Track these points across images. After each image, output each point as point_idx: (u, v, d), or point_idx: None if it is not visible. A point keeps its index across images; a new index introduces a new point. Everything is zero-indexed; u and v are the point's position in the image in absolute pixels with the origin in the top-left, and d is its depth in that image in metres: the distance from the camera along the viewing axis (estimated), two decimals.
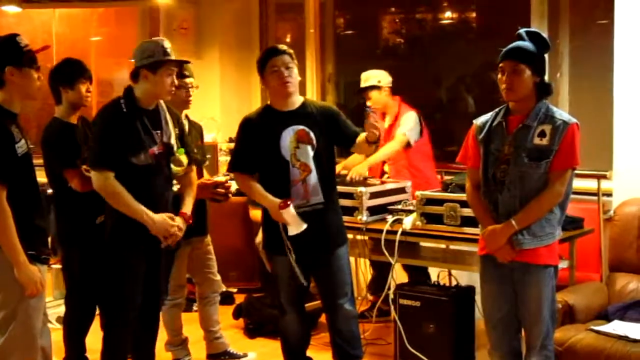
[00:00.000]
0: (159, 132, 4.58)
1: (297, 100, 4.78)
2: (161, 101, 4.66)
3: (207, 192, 5.26)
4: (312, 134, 4.70)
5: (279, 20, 8.45)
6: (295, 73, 4.73)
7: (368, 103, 6.16)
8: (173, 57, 4.62)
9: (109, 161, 4.44)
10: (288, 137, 4.68)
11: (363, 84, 6.43)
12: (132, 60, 4.60)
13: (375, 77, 6.41)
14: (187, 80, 5.24)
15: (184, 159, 4.76)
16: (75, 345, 5.36)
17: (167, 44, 4.58)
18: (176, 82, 4.66)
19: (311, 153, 4.69)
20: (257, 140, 4.74)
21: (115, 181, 4.42)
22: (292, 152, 4.67)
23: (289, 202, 4.55)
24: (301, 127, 4.70)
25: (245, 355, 5.74)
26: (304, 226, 4.60)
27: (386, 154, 6.20)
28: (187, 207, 4.73)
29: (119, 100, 4.56)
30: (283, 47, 4.78)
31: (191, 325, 5.80)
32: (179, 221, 4.58)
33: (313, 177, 4.69)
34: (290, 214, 4.56)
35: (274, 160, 4.68)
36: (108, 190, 4.45)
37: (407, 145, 6.21)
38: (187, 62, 5.07)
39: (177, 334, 5.58)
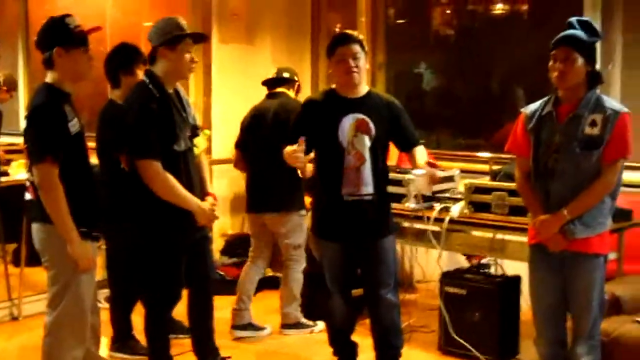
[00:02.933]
0: (185, 114, 4.58)
1: (362, 89, 4.76)
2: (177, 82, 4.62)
3: None
4: (371, 125, 4.67)
5: (331, 8, 8.45)
6: (363, 63, 4.67)
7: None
8: (190, 32, 4.54)
9: (157, 151, 4.38)
10: (348, 124, 4.66)
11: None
12: (150, 41, 4.53)
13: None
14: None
15: (204, 140, 4.79)
16: (121, 324, 5.45)
17: (182, 20, 4.51)
18: (196, 59, 4.59)
19: (368, 143, 4.68)
20: (316, 122, 4.73)
21: (165, 171, 4.38)
22: (350, 139, 4.66)
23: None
24: (362, 116, 4.67)
25: (264, 328, 6.01)
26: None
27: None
28: (209, 187, 4.77)
29: (146, 84, 4.48)
30: (354, 34, 4.72)
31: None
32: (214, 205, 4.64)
33: (367, 167, 4.68)
34: None
35: (330, 145, 4.67)
36: (160, 181, 4.38)
37: None
38: (205, 36, 4.92)
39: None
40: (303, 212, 5.88)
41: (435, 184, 4.64)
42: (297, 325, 6.01)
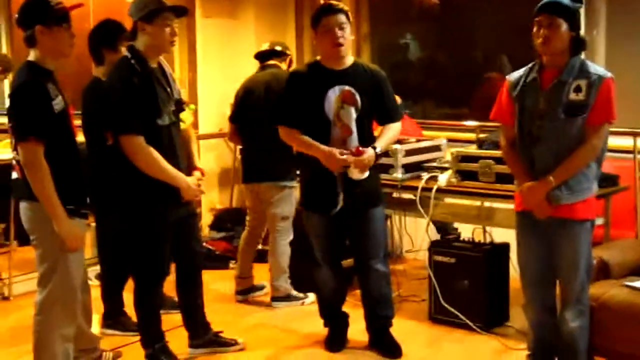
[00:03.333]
0: (169, 89, 4.56)
1: (348, 60, 4.74)
2: (161, 57, 4.60)
3: None
4: (357, 96, 4.67)
5: None
6: (348, 33, 4.66)
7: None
8: (168, 5, 4.51)
9: (139, 126, 4.36)
10: (334, 95, 4.66)
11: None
12: (130, 16, 4.51)
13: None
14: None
15: (190, 114, 4.78)
16: (113, 301, 5.46)
17: None
18: (176, 32, 4.56)
19: (354, 115, 4.68)
20: (302, 95, 4.72)
21: (148, 146, 4.36)
22: (336, 111, 4.66)
23: (360, 149, 4.56)
24: (347, 87, 4.67)
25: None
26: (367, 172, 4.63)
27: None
28: (197, 161, 4.78)
29: (128, 60, 4.45)
30: (339, 5, 4.71)
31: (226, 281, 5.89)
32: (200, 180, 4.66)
33: (353, 139, 4.68)
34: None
35: (316, 118, 4.67)
36: (142, 156, 4.36)
37: None
38: (185, 8, 4.82)
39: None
40: (294, 183, 5.89)
41: (364, 170, 4.63)
42: (288, 298, 6.03)
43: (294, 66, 6.24)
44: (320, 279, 5.01)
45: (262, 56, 6.09)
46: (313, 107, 4.67)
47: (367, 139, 4.75)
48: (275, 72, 5.90)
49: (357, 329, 5.12)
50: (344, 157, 4.56)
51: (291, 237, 6.00)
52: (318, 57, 4.80)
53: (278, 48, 6.06)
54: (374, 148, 4.65)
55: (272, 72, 5.93)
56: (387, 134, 4.81)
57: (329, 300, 5.06)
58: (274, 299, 6.05)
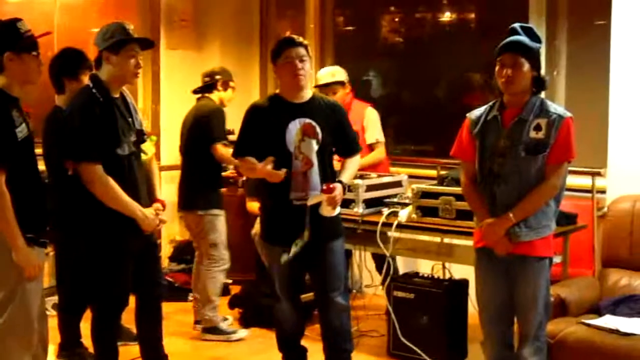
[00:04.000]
0: (130, 119, 4.54)
1: (306, 94, 4.76)
2: (124, 87, 4.59)
3: None
4: (318, 129, 4.68)
5: (280, 15, 8.48)
6: (308, 67, 4.69)
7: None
8: (135, 37, 4.53)
9: (97, 154, 4.33)
10: (294, 129, 4.66)
11: (329, 79, 6.40)
12: (96, 46, 4.50)
13: (341, 73, 6.45)
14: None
15: (152, 145, 4.79)
16: (70, 331, 5.41)
17: (128, 25, 4.48)
18: (141, 63, 4.56)
19: (315, 147, 4.68)
20: (263, 128, 4.72)
21: (105, 175, 4.33)
22: (297, 144, 4.66)
23: (331, 186, 4.55)
24: (308, 120, 4.68)
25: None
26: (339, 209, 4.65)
27: (368, 163, 6.24)
28: (158, 193, 4.78)
29: (90, 89, 4.44)
30: (299, 39, 4.74)
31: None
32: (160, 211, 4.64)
33: (314, 172, 4.68)
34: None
35: (277, 151, 4.65)
36: (99, 184, 4.33)
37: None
38: (151, 41, 4.87)
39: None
40: (216, 211, 6.00)
41: (334, 206, 4.64)
42: (214, 330, 6.05)
43: (251, 97, 6.35)
44: (279, 313, 4.99)
45: (197, 92, 6.29)
46: (274, 140, 4.68)
47: (328, 172, 4.76)
48: (199, 104, 6.16)
49: None
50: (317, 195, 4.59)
51: (226, 266, 6.09)
52: (277, 91, 4.84)
53: (206, 80, 6.24)
54: (341, 182, 4.67)
55: (197, 105, 6.17)
56: (350, 167, 4.83)
57: (288, 334, 5.04)
58: (203, 329, 6.08)
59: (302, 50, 4.66)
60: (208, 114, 5.96)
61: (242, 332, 6.04)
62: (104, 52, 4.45)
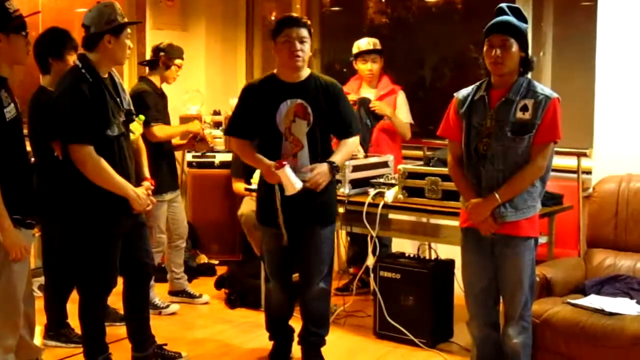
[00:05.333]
0: (119, 99, 4.53)
1: (303, 73, 4.72)
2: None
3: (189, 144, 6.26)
4: (309, 109, 4.66)
5: None
6: (308, 48, 4.65)
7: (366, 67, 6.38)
8: (127, 20, 4.55)
9: (88, 135, 4.31)
10: (285, 109, 4.65)
11: (369, 47, 6.43)
12: (87, 27, 4.45)
13: (377, 43, 6.47)
14: None
15: (139, 125, 4.78)
16: (56, 312, 5.40)
17: (118, 6, 4.48)
18: (131, 45, 4.58)
19: (305, 129, 4.66)
20: (255, 108, 4.72)
21: (97, 155, 4.32)
22: (287, 125, 4.65)
23: (284, 163, 4.51)
24: (299, 100, 4.65)
25: (200, 296, 6.46)
26: (300, 185, 4.55)
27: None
28: (147, 172, 4.77)
29: (79, 69, 4.41)
30: (304, 18, 4.71)
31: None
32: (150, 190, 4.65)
33: (304, 154, 4.68)
34: (285, 174, 4.52)
35: (268, 131, 4.66)
36: (91, 165, 4.32)
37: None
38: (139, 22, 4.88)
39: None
40: (163, 196, 5.98)
41: (319, 187, 4.64)
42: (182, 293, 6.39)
43: (238, 80, 6.31)
44: (269, 293, 5.00)
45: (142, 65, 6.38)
46: (265, 120, 4.66)
47: (321, 153, 4.72)
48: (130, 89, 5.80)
49: None
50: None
51: (159, 248, 6.15)
52: (275, 70, 4.80)
53: (151, 54, 6.21)
54: (330, 163, 4.66)
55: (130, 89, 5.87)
56: (344, 149, 4.80)
57: (276, 314, 5.06)
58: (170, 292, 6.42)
59: (303, 31, 4.62)
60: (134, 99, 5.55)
61: (174, 307, 6.22)
62: (106, 35, 4.40)
